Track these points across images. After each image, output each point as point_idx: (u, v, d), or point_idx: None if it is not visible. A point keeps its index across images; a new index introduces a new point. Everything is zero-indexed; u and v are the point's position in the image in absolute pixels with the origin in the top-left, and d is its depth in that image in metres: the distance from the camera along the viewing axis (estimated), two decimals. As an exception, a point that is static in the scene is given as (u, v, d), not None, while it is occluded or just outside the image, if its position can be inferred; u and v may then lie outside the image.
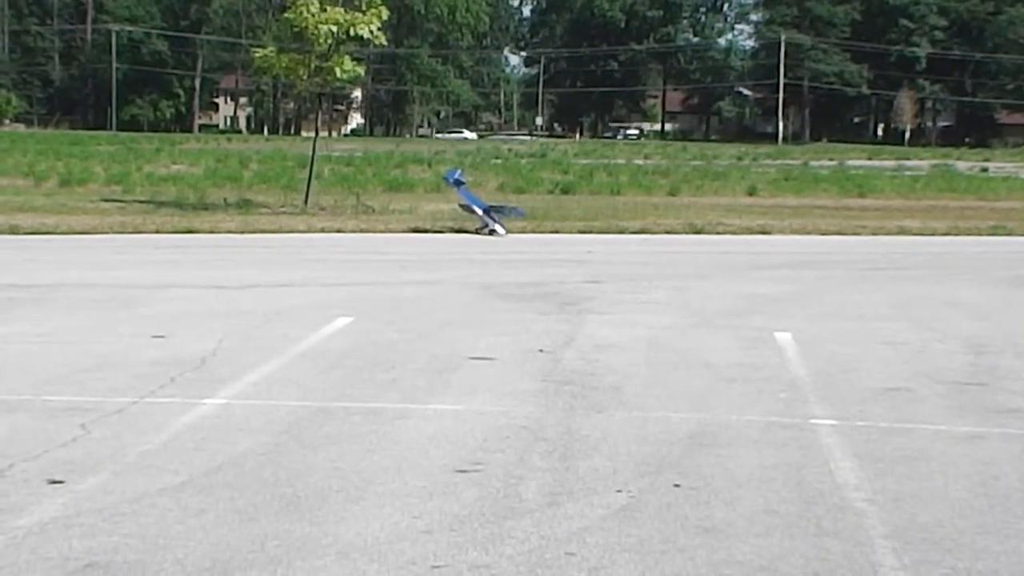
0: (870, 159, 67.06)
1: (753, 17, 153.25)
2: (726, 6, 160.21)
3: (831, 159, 64.24)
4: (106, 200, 27.38)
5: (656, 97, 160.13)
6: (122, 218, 22.47)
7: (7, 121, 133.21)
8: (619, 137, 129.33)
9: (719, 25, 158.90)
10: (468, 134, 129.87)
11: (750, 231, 22.58)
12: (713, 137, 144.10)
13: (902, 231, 23.06)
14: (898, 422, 7.70)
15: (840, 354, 10.07)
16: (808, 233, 22.55)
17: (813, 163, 58.71)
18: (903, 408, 8.12)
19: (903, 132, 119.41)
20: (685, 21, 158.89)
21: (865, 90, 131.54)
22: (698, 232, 22.33)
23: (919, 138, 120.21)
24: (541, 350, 9.94)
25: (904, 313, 12.66)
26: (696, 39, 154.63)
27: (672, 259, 18.26)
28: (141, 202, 27.10)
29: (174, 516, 5.56)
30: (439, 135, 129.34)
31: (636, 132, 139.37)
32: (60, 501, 5.72)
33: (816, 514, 5.77)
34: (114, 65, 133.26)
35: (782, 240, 21.52)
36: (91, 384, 8.35)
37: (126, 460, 6.45)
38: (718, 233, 22.28)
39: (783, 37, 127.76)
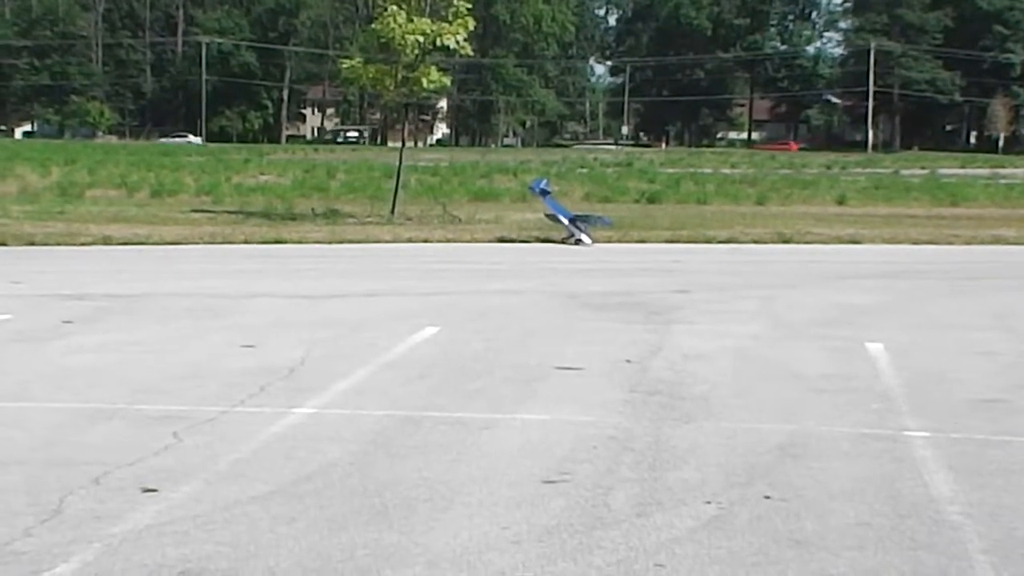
0: (963, 167, 66.04)
1: (842, 24, 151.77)
2: (814, 14, 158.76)
3: (922, 167, 63.36)
4: (196, 211, 27.72)
5: (743, 105, 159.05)
6: (212, 228, 22.73)
7: (100, 133, 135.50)
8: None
9: (807, 33, 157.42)
10: (193, 138, 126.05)
11: (840, 240, 22.33)
12: (802, 146, 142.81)
13: (997, 240, 22.66)
14: (994, 434, 7.56)
15: (933, 365, 9.92)
16: (899, 242, 22.26)
17: (904, 171, 57.98)
18: (999, 420, 7.97)
19: (997, 140, 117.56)
20: (772, 29, 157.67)
21: (957, 97, 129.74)
22: (787, 241, 22.12)
23: (1014, 146, 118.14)
24: (628, 360, 9.88)
25: (999, 323, 12.45)
26: (784, 47, 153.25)
27: (760, 268, 18.10)
28: (230, 212, 27.40)
29: (265, 524, 5.59)
30: (163, 139, 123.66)
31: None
32: (154, 509, 5.77)
33: (911, 527, 5.68)
34: (204, 77, 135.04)
35: (873, 250, 21.26)
36: (183, 393, 8.43)
37: (217, 468, 6.51)
38: (807, 242, 22.04)
39: (873, 44, 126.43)
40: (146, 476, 6.31)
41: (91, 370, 9.23)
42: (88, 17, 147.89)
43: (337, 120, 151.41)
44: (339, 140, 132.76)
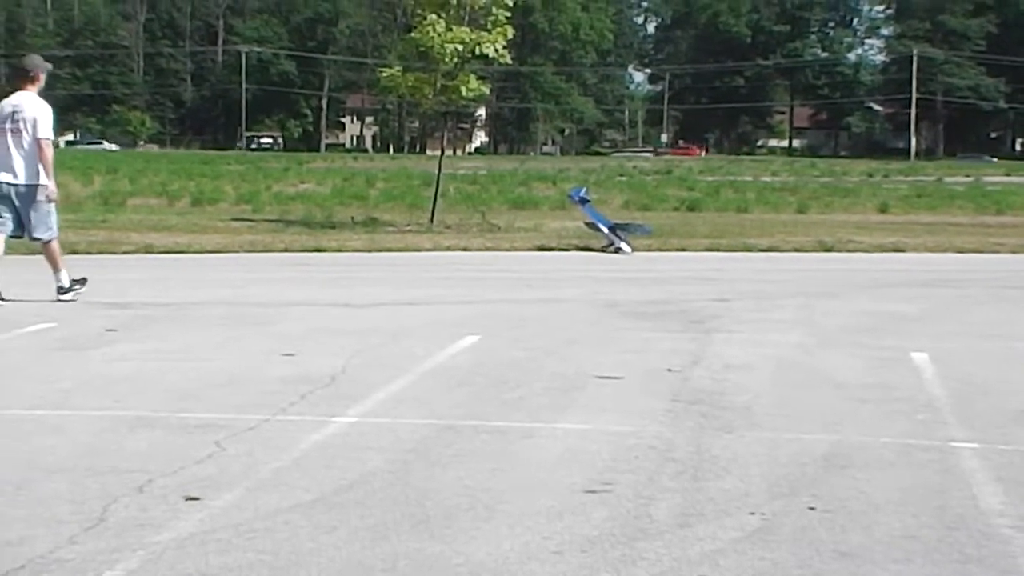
0: (1008, 175, 65.47)
1: (883, 31, 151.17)
2: (855, 20, 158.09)
3: (966, 175, 62.95)
4: (236, 219, 27.86)
5: (783, 113, 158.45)
6: (251, 237, 22.83)
7: (141, 142, 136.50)
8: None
9: (848, 39, 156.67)
10: (108, 145, 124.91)
11: (882, 249, 22.21)
12: (842, 153, 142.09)
13: (1043, 248, 22.47)
14: (1042, 445, 7.47)
15: (980, 374, 9.82)
16: (943, 251, 22.11)
17: (947, 179, 57.65)
18: (1047, 431, 7.87)
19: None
20: (813, 36, 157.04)
21: (1002, 104, 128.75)
22: (828, 250, 22.02)
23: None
24: (669, 369, 9.83)
25: (1045, 332, 12.33)
26: (824, 54, 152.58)
27: (801, 277, 18.02)
28: (270, 221, 27.54)
29: (306, 533, 5.59)
30: (80, 145, 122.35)
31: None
32: (197, 517, 5.78)
33: (959, 540, 5.60)
34: (244, 86, 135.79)
35: (916, 258, 21.13)
36: (224, 401, 8.45)
37: (259, 477, 6.51)
38: (849, 251, 21.95)
39: (915, 51, 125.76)
40: (189, 484, 6.32)
41: (134, 378, 9.27)
42: (129, 27, 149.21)
43: (376, 129, 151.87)
44: (252, 147, 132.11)
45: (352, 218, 27.77)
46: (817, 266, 19.64)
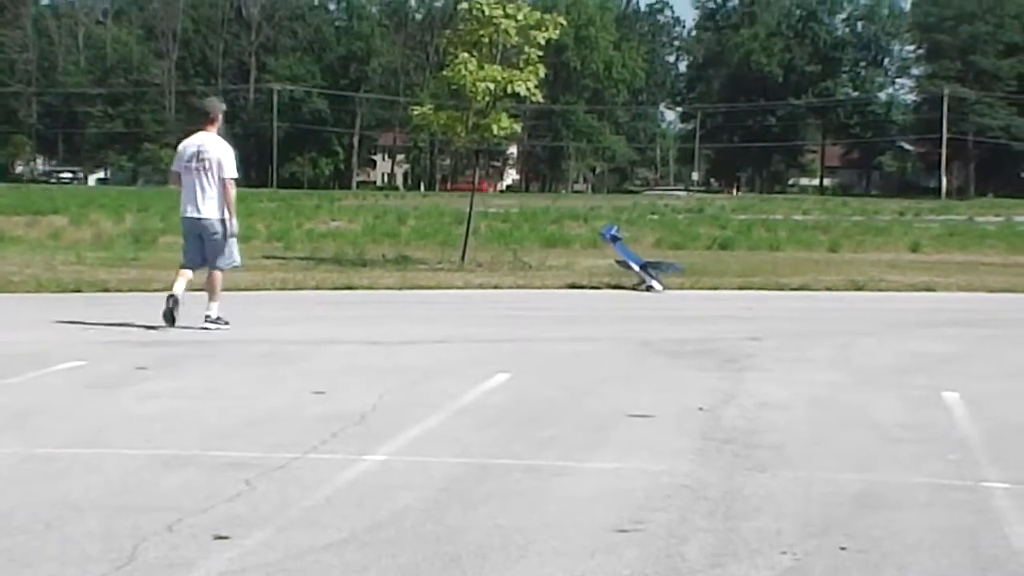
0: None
1: (914, 71, 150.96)
2: (887, 60, 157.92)
3: (997, 214, 62.71)
4: (268, 256, 27.94)
5: (815, 152, 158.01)
6: (283, 274, 22.89)
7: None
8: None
9: (879, 79, 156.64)
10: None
11: (914, 288, 22.12)
12: (873, 192, 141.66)
13: (1076, 288, 22.31)
14: (1076, 486, 7.39)
15: (1012, 415, 9.75)
16: (975, 290, 22.01)
17: (979, 218, 57.43)
18: (1081, 472, 7.79)
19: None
20: (844, 75, 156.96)
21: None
22: (860, 288, 21.94)
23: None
24: (701, 408, 9.80)
25: (1079, 372, 12.23)
26: (856, 93, 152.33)
27: (834, 316, 17.96)
28: (301, 259, 27.60)
29: (337, 572, 5.58)
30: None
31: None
32: (227, 556, 5.77)
33: (992, 581, 5.55)
34: (275, 124, 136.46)
35: (948, 297, 21.02)
36: (255, 439, 8.45)
37: (289, 515, 6.50)
38: (881, 290, 21.86)
39: (946, 91, 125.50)
40: (218, 523, 6.32)
41: (164, 416, 9.28)
42: (162, 65, 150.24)
43: (407, 167, 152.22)
44: (52, 181, 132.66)
45: (384, 256, 27.83)
46: (849, 305, 19.57)
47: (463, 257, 26.48)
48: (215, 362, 12.27)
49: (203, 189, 14.67)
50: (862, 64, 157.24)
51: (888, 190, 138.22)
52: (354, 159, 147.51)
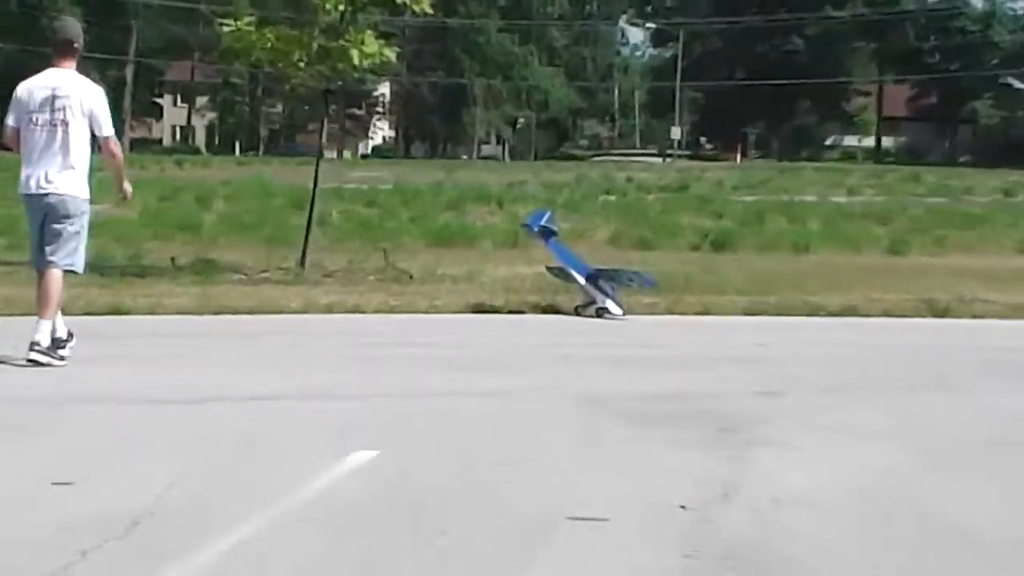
0: None
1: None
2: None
3: None
4: None
5: (867, 95, 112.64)
6: (7, 290, 16.87)
7: None
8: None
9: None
10: None
11: None
12: (962, 159, 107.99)
13: None
14: None
15: None
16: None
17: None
18: None
19: None
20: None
21: None
22: (940, 314, 17.40)
23: None
24: (682, 506, 7.07)
25: None
26: (933, 1, 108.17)
27: (895, 357, 13.87)
28: (27, 263, 23.30)
29: None
30: None
31: None
32: None
33: None
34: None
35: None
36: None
37: None
38: (973, 316, 17.41)
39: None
40: None
41: None
42: None
43: (214, 117, 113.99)
44: None
45: (173, 260, 21.80)
46: (922, 340, 15.39)
47: (303, 262, 20.79)
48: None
49: (60, 153, 11.28)
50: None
51: (985, 156, 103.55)
52: (125, 103, 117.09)
